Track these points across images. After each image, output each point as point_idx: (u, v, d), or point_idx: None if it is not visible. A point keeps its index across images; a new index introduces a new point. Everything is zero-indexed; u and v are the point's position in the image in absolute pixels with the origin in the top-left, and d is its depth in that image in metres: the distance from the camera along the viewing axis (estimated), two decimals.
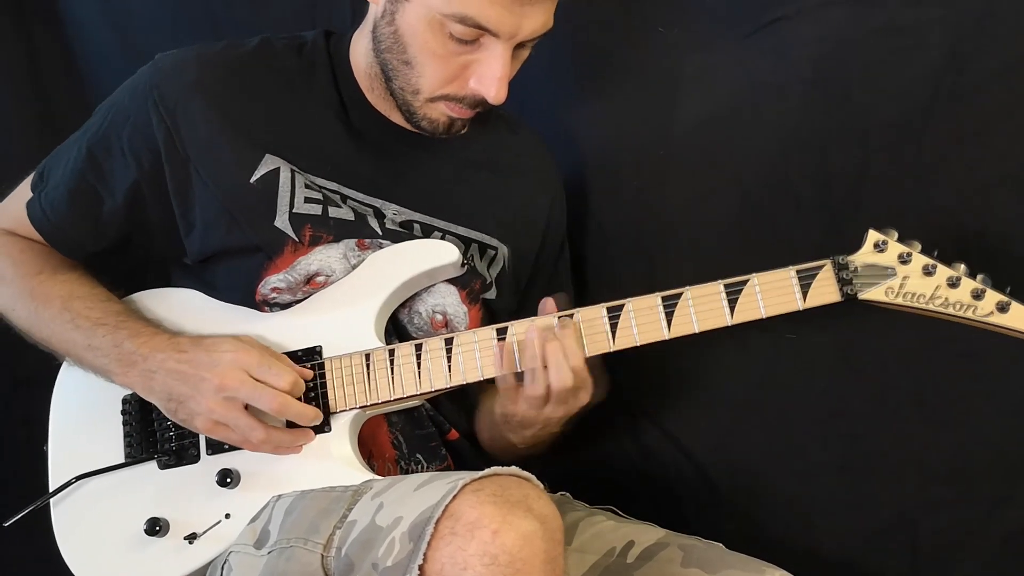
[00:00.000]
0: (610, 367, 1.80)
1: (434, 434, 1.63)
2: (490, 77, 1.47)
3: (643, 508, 1.66)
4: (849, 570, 1.67)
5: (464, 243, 1.65)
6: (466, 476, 1.25)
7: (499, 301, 1.66)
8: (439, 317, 1.61)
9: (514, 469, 1.28)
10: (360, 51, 1.61)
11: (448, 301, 1.62)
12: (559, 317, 1.50)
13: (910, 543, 1.63)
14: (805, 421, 1.70)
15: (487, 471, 1.26)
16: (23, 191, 1.67)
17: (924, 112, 1.55)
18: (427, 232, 1.64)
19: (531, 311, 1.54)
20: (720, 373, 1.77)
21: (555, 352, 1.45)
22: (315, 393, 1.53)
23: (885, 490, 1.65)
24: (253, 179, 1.54)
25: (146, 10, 2.19)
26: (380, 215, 1.61)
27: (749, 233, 1.71)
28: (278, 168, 1.56)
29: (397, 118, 1.61)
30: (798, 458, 1.71)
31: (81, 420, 1.63)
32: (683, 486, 1.81)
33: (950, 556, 1.61)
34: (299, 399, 1.49)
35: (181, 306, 1.63)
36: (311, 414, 1.49)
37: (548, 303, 1.53)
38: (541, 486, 1.28)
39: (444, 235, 1.65)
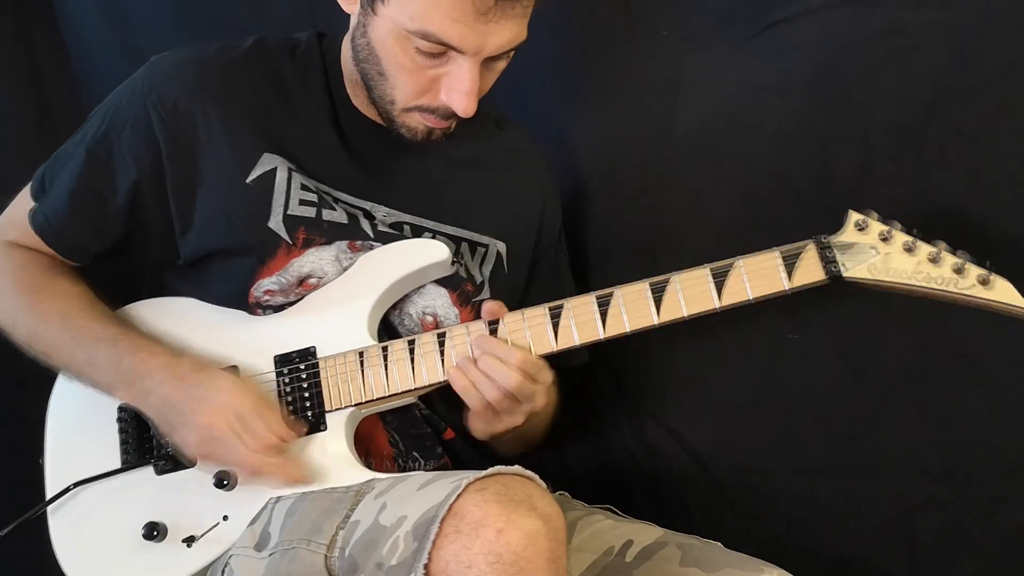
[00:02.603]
0: (614, 366, 1.81)
1: (429, 434, 1.64)
2: (459, 91, 1.47)
3: (644, 506, 1.67)
4: (848, 569, 1.68)
5: (454, 242, 1.65)
6: (470, 475, 1.25)
7: (493, 299, 1.66)
8: (429, 319, 1.61)
9: (517, 468, 1.28)
10: (346, 57, 1.62)
11: (439, 303, 1.62)
12: (550, 308, 1.51)
13: (909, 542, 1.64)
14: (806, 421, 1.71)
15: (491, 470, 1.26)
16: (24, 200, 1.66)
17: (925, 113, 1.56)
18: (417, 233, 1.64)
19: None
20: (722, 372, 1.78)
21: (490, 365, 1.47)
22: (310, 392, 1.53)
23: (885, 489, 1.65)
24: (249, 179, 1.54)
25: (145, 10, 2.19)
26: (371, 217, 1.61)
27: (751, 234, 1.69)
28: (275, 168, 1.56)
29: (383, 122, 1.62)
30: (798, 457, 1.72)
31: (78, 427, 1.62)
32: (684, 484, 1.82)
33: (949, 555, 1.62)
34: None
35: (176, 315, 1.62)
36: (286, 473, 1.47)
37: (488, 307, 1.54)
38: (544, 485, 1.28)
39: (434, 235, 1.65)
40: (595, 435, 1.88)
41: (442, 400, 1.64)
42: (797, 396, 1.72)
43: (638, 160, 1.85)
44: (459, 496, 1.21)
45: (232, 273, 1.58)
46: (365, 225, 1.59)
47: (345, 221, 1.57)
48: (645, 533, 1.56)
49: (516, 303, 1.71)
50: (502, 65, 1.52)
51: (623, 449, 1.87)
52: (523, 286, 1.76)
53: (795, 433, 1.72)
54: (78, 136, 1.62)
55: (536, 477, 1.28)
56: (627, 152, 1.86)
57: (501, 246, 1.71)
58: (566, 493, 1.71)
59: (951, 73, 1.53)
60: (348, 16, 1.57)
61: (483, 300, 1.65)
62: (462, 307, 1.63)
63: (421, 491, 1.28)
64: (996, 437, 1.57)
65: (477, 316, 1.63)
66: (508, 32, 1.44)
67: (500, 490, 1.22)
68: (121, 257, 1.65)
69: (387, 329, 1.61)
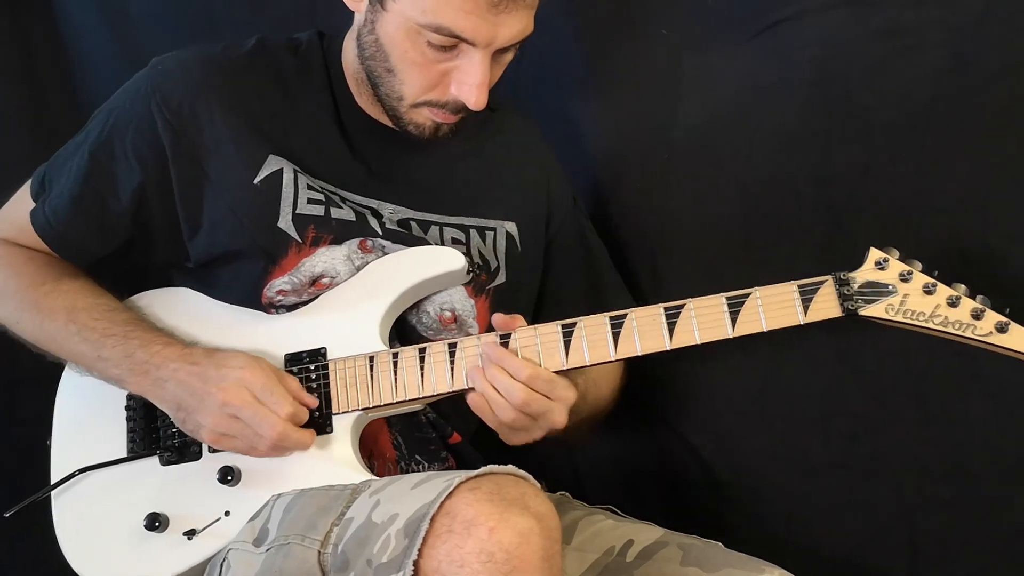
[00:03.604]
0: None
1: (434, 438, 1.64)
2: (469, 84, 1.48)
3: (644, 506, 1.67)
4: (848, 569, 1.68)
5: (462, 231, 1.66)
6: (462, 474, 1.25)
7: (511, 280, 1.67)
8: (447, 314, 1.62)
9: (511, 468, 1.28)
10: (349, 56, 1.62)
11: (455, 297, 1.63)
12: (562, 326, 1.50)
13: (909, 543, 1.64)
14: (806, 421, 1.71)
15: (483, 469, 1.27)
16: (22, 199, 1.67)
17: (925, 113, 1.55)
18: (424, 228, 1.65)
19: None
20: (723, 372, 1.77)
21: (497, 377, 1.46)
22: (319, 394, 1.53)
23: (885, 489, 1.65)
24: (257, 180, 1.55)
25: (144, 9, 2.19)
26: (378, 215, 1.62)
27: (751, 234, 1.72)
28: (281, 169, 1.57)
29: (387, 120, 1.62)
30: (799, 457, 1.71)
31: (85, 414, 1.63)
32: (685, 484, 1.82)
33: (949, 556, 1.61)
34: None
35: (187, 309, 1.63)
36: (309, 442, 1.49)
37: (498, 320, 1.53)
38: (538, 485, 1.29)
39: (441, 228, 1.66)
40: (596, 435, 1.88)
41: (450, 404, 1.63)
42: (797, 396, 1.71)
43: (638, 160, 1.85)
44: (450, 495, 1.22)
45: (243, 274, 1.59)
46: (373, 223, 1.59)
47: (353, 219, 1.58)
48: (646, 533, 1.56)
49: (537, 283, 1.75)
50: (509, 58, 1.53)
51: (624, 449, 1.88)
52: (543, 266, 1.77)
53: (795, 433, 1.71)
54: (80, 136, 1.62)
55: (529, 476, 1.28)
56: (627, 152, 1.87)
57: (511, 226, 1.71)
58: (567, 493, 1.71)
59: (951, 73, 1.52)
60: (347, 15, 1.57)
61: (497, 285, 1.66)
62: (477, 296, 1.64)
63: (414, 490, 1.29)
64: (996, 437, 1.55)
65: (493, 303, 1.65)
66: (518, 23, 1.45)
67: (492, 489, 1.23)
68: (123, 260, 1.65)
69: (404, 327, 1.61)
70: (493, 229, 1.70)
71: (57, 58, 2.28)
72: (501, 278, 1.67)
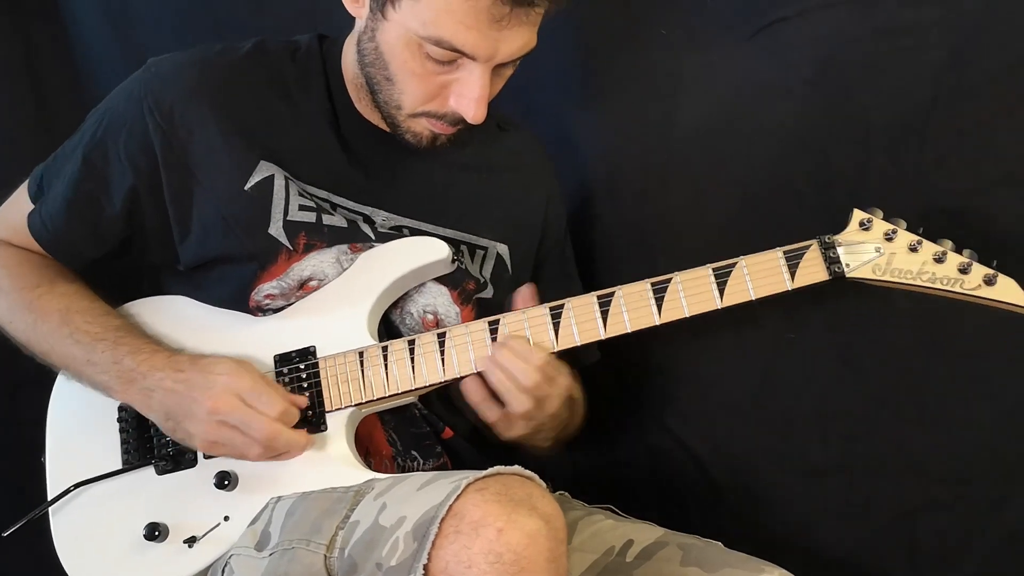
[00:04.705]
0: (615, 367, 1.81)
1: (428, 433, 1.64)
2: (468, 98, 1.47)
3: (644, 506, 1.67)
4: (848, 570, 1.68)
5: (453, 246, 1.65)
6: (470, 475, 1.25)
7: (497, 298, 1.66)
8: (430, 317, 1.61)
9: (517, 468, 1.28)
10: (349, 61, 1.61)
11: (439, 301, 1.62)
12: (550, 308, 1.51)
13: (909, 543, 1.64)
14: (805, 421, 1.71)
15: (490, 470, 1.26)
16: (19, 200, 1.66)
17: (925, 112, 1.55)
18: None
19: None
20: (722, 373, 1.78)
21: (508, 359, 1.48)
22: (310, 393, 1.53)
23: (884, 490, 1.65)
24: (247, 186, 1.54)
25: (147, 10, 2.18)
26: (370, 222, 1.61)
27: (751, 234, 1.69)
28: (272, 175, 1.55)
29: (386, 126, 1.61)
30: (798, 458, 1.72)
31: (78, 428, 1.62)
32: (685, 484, 1.82)
33: (949, 556, 1.62)
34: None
35: (175, 315, 1.62)
36: (302, 441, 1.48)
37: (521, 293, 1.56)
38: (544, 485, 1.29)
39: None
40: (596, 435, 1.87)
41: (441, 400, 1.65)
42: (797, 396, 1.72)
43: (638, 160, 1.85)
44: (459, 496, 1.21)
45: (232, 278, 1.58)
46: (366, 228, 1.59)
47: (345, 225, 1.57)
48: (645, 533, 1.56)
49: None
50: (510, 72, 1.52)
51: (624, 449, 1.88)
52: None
53: (795, 433, 1.72)
54: (76, 138, 1.61)
55: (536, 477, 1.28)
56: (627, 152, 1.86)
57: (503, 248, 1.71)
58: (566, 493, 1.72)
59: (951, 72, 1.53)
60: (348, 17, 1.56)
61: (484, 297, 1.66)
62: (463, 305, 1.63)
63: (421, 491, 1.29)
64: (996, 438, 1.56)
65: (478, 314, 1.64)
66: (520, 39, 1.44)
67: (500, 490, 1.23)
68: (118, 260, 1.65)
69: (388, 328, 1.61)
70: (484, 248, 1.70)
71: (59, 58, 2.27)
72: (489, 292, 1.67)
